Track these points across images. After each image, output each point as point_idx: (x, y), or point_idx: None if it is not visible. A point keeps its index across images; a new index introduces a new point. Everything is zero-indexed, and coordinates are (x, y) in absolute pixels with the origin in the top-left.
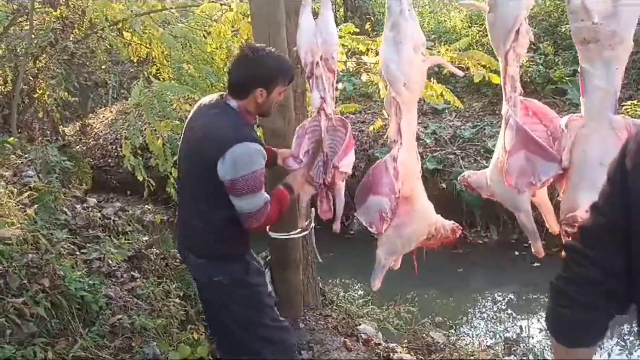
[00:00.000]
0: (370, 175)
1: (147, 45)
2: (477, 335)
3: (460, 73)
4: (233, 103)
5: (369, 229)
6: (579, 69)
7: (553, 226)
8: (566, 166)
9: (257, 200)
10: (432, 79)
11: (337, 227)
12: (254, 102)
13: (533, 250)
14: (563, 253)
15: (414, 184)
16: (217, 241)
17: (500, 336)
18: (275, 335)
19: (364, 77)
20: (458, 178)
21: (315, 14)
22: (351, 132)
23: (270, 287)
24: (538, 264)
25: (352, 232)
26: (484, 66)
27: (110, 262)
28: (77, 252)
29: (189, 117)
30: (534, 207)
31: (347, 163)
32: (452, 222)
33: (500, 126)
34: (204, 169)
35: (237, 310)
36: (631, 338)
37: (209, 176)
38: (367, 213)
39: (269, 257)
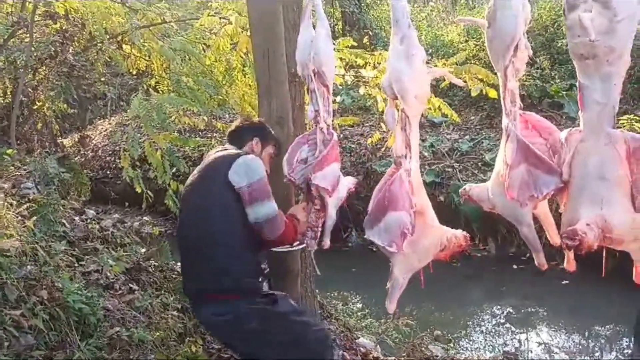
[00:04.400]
0: (387, 192)
1: (147, 58)
2: (475, 348)
3: (461, 83)
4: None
5: (388, 248)
6: (577, 84)
7: (554, 238)
8: (566, 179)
9: (272, 206)
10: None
11: (326, 242)
12: (250, 151)
13: (536, 262)
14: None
15: (422, 197)
16: (242, 265)
17: (499, 350)
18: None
19: (362, 90)
20: (459, 191)
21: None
22: (334, 146)
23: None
24: (537, 277)
25: (350, 245)
26: (481, 80)
27: (108, 274)
28: (76, 264)
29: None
30: (534, 219)
31: (324, 177)
32: (460, 230)
33: (498, 139)
34: (218, 187)
35: (280, 342)
36: (630, 352)
37: (224, 195)
38: (387, 232)
39: (268, 270)
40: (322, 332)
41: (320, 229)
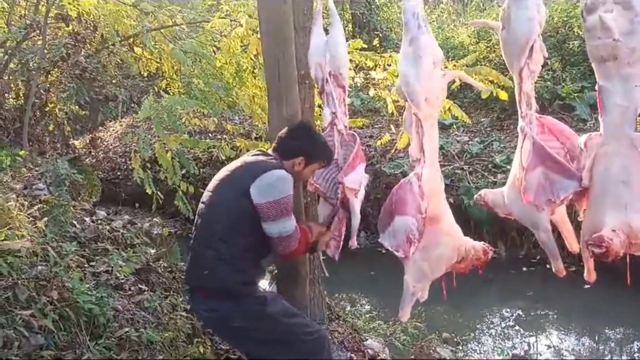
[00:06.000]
0: (394, 196)
1: (158, 60)
2: (484, 351)
3: (480, 86)
4: (275, 155)
5: (396, 253)
6: (596, 87)
7: (573, 245)
8: (586, 185)
9: (291, 224)
10: None
11: (353, 242)
12: (291, 167)
13: (554, 269)
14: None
15: (439, 203)
16: (231, 271)
17: (507, 353)
18: (308, 347)
19: (372, 92)
20: (474, 197)
21: (326, 31)
22: (360, 147)
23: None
24: (547, 280)
25: (359, 246)
26: (491, 82)
27: (118, 274)
28: (86, 265)
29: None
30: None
31: (353, 179)
32: (482, 242)
33: (508, 141)
34: (234, 194)
35: (268, 340)
36: None
37: (237, 202)
38: (393, 236)
39: (276, 271)
40: (317, 332)
41: (342, 238)
